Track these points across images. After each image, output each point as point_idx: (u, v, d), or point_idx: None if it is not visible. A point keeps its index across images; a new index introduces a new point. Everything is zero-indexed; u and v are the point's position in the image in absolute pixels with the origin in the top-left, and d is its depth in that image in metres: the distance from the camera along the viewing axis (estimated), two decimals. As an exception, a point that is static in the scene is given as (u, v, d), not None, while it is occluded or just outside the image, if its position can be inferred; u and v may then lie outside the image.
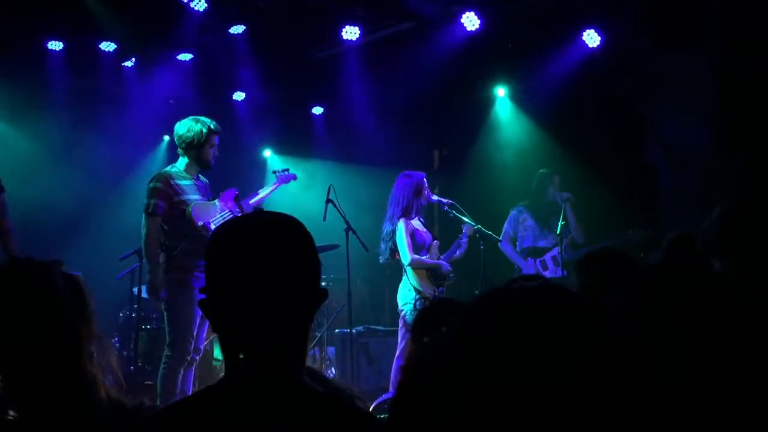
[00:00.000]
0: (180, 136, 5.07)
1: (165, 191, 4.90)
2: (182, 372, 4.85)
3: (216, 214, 5.02)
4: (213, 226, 4.85)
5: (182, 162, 5.11)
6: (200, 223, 4.89)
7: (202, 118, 5.12)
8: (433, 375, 0.91)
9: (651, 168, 6.89)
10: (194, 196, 5.00)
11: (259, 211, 1.66)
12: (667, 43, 6.26)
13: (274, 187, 5.82)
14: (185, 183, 5.00)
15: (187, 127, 5.07)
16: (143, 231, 4.91)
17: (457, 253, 5.83)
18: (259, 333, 1.48)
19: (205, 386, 1.57)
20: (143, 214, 4.93)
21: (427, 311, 2.84)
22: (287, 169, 6.08)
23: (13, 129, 7.75)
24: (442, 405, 0.87)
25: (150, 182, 5.00)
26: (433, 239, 5.82)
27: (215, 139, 5.13)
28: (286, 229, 1.56)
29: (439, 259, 5.74)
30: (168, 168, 5.12)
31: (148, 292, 4.93)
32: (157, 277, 4.83)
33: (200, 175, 5.20)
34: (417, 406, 0.90)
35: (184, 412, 1.54)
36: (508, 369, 0.84)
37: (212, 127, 5.10)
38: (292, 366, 1.51)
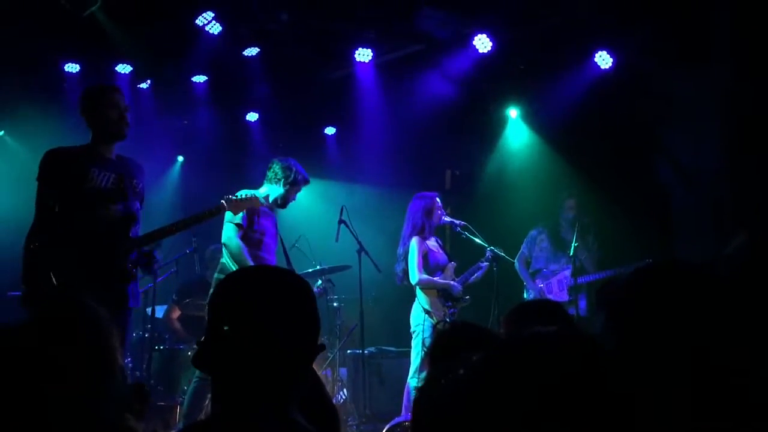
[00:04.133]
0: (276, 170, 5.47)
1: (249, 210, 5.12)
2: (209, 396, 4.90)
3: None
4: None
5: (270, 190, 5.45)
6: None
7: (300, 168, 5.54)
8: (454, 407, 0.93)
9: (663, 190, 6.89)
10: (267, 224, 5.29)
11: (267, 267, 1.76)
12: (679, 64, 6.28)
13: None
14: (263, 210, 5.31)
15: (287, 165, 5.51)
16: (231, 244, 5.07)
17: (476, 275, 5.82)
18: (254, 379, 1.56)
19: (193, 423, 1.64)
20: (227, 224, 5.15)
21: (445, 335, 2.84)
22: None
23: (32, 152, 7.80)
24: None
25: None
26: (449, 261, 5.83)
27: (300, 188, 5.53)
28: (289, 286, 1.66)
29: (453, 281, 5.73)
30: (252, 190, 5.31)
31: None
32: None
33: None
34: None
35: None
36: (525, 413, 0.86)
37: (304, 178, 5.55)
38: (283, 408, 1.57)
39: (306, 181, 5.54)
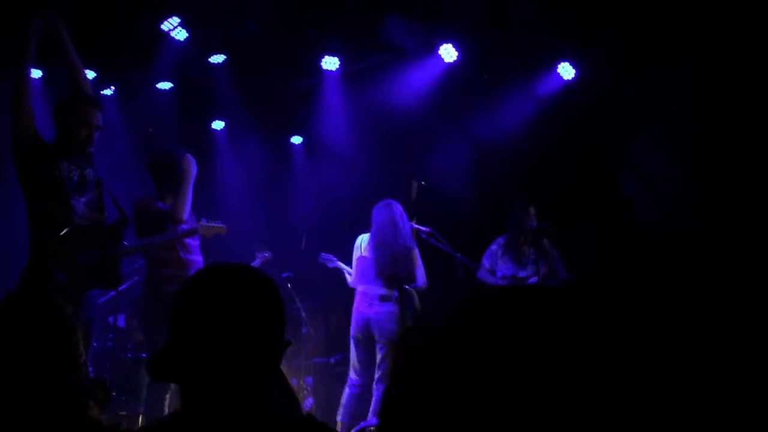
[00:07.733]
0: None
1: None
2: (167, 397, 4.79)
3: None
4: None
5: None
6: None
7: None
8: (425, 382, 0.92)
9: (627, 200, 6.96)
10: None
11: (227, 265, 1.71)
12: (642, 74, 6.37)
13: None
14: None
15: None
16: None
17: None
18: (223, 381, 1.54)
19: (171, 413, 1.61)
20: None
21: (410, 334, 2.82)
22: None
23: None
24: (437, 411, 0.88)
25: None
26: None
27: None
28: (250, 283, 1.63)
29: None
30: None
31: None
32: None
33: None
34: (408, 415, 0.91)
35: None
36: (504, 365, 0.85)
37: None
38: (259, 399, 1.56)
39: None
